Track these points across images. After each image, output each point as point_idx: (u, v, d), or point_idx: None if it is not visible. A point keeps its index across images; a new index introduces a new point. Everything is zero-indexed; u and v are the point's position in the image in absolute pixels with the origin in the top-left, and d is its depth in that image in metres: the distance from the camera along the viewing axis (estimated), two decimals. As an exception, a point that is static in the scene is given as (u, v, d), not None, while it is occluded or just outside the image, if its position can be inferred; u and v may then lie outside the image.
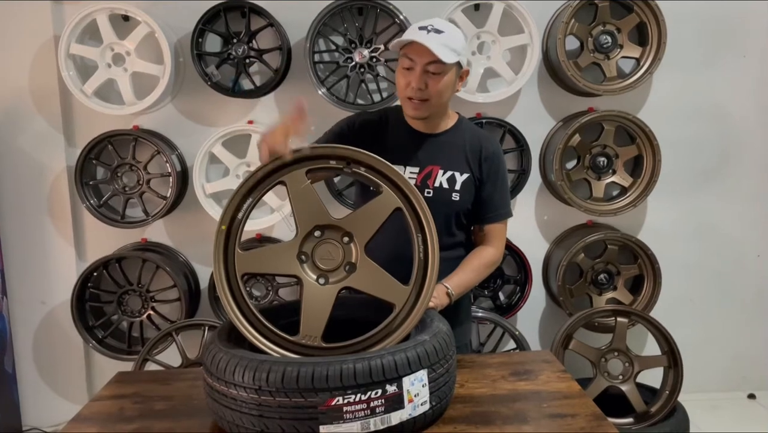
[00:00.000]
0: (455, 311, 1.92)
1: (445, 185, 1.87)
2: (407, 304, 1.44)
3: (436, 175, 1.87)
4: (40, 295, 3.24)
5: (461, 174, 1.88)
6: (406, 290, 1.45)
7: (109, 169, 3.10)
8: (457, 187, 1.88)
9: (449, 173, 1.88)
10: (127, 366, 3.03)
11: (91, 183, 3.10)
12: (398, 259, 1.53)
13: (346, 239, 1.47)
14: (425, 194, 1.85)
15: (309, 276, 1.46)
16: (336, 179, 3.11)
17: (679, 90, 3.23)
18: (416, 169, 1.87)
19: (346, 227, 1.47)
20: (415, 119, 1.86)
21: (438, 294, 1.75)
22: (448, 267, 1.86)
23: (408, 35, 1.76)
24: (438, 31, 1.73)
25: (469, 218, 1.95)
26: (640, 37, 3.07)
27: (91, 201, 3.08)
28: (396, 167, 1.51)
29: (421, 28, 1.75)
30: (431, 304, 1.63)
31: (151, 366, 2.92)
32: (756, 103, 3.28)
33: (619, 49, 3.04)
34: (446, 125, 1.92)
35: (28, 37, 3.06)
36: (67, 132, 3.16)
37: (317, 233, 1.47)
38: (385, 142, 1.89)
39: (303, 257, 1.46)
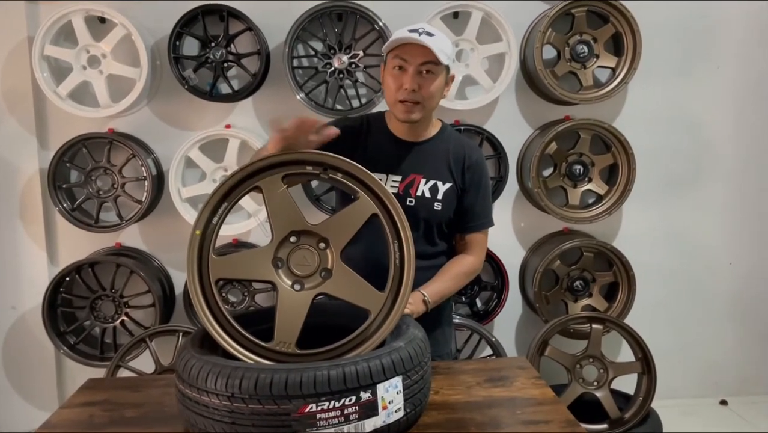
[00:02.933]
0: (437, 318, 1.92)
1: (428, 194, 1.87)
2: (383, 310, 1.44)
3: (419, 184, 1.87)
4: (10, 300, 3.18)
5: (444, 183, 1.88)
6: (381, 297, 1.44)
7: (83, 172, 3.06)
8: (440, 196, 1.87)
9: (432, 182, 1.87)
10: (100, 373, 2.98)
11: (64, 186, 3.05)
12: (375, 265, 1.52)
13: (322, 244, 1.46)
14: (407, 203, 1.85)
15: (284, 282, 1.44)
16: (314, 184, 3.10)
17: (653, 99, 3.28)
18: (399, 178, 1.87)
19: (322, 232, 1.46)
20: (406, 123, 1.84)
21: (414, 301, 1.74)
22: (430, 276, 1.87)
23: (401, 37, 1.75)
24: (429, 34, 1.74)
25: (452, 228, 1.94)
26: (616, 47, 3.11)
27: (64, 204, 3.03)
28: (378, 176, 1.51)
29: (411, 31, 1.75)
30: (407, 310, 1.63)
31: (124, 373, 2.87)
32: (728, 113, 3.34)
33: (595, 59, 3.08)
34: (430, 133, 1.91)
35: (0, 37, 3.01)
36: (41, 134, 3.11)
37: (293, 239, 1.46)
38: (366, 149, 1.88)
39: (278, 262, 1.45)
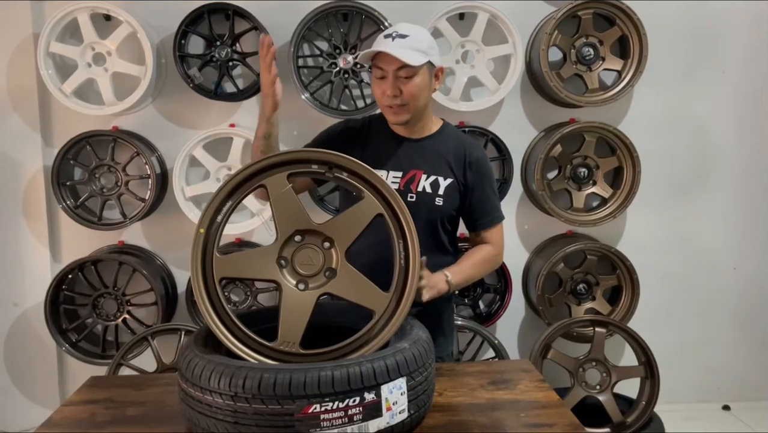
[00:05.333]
0: (438, 321, 1.92)
1: (429, 190, 1.87)
2: (387, 311, 1.43)
3: (420, 179, 1.87)
4: (12, 296, 3.18)
5: (445, 179, 1.88)
6: (386, 297, 1.44)
7: (86, 170, 3.05)
8: (441, 192, 1.87)
9: (433, 178, 1.87)
10: (101, 370, 2.98)
11: (68, 184, 3.05)
12: (380, 265, 1.52)
13: (326, 244, 1.45)
14: (408, 199, 1.85)
15: (288, 281, 1.44)
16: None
17: (659, 103, 3.27)
18: (399, 174, 1.87)
19: (327, 232, 1.45)
20: (398, 125, 1.87)
21: (437, 281, 1.72)
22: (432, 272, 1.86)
23: (374, 46, 1.79)
24: (403, 36, 1.76)
25: (453, 224, 1.95)
26: (622, 50, 3.11)
27: (68, 202, 3.03)
28: (379, 172, 1.50)
29: (386, 36, 1.77)
30: (429, 294, 1.62)
31: (125, 371, 2.87)
32: (734, 118, 3.33)
33: (601, 62, 3.07)
34: (429, 130, 1.92)
35: (6, 34, 3.01)
36: (45, 132, 3.11)
37: (297, 238, 1.45)
38: (367, 146, 1.90)
39: (283, 261, 1.44)
